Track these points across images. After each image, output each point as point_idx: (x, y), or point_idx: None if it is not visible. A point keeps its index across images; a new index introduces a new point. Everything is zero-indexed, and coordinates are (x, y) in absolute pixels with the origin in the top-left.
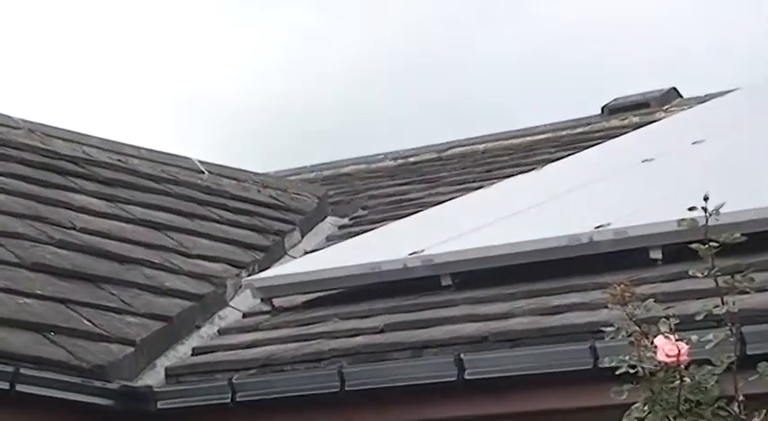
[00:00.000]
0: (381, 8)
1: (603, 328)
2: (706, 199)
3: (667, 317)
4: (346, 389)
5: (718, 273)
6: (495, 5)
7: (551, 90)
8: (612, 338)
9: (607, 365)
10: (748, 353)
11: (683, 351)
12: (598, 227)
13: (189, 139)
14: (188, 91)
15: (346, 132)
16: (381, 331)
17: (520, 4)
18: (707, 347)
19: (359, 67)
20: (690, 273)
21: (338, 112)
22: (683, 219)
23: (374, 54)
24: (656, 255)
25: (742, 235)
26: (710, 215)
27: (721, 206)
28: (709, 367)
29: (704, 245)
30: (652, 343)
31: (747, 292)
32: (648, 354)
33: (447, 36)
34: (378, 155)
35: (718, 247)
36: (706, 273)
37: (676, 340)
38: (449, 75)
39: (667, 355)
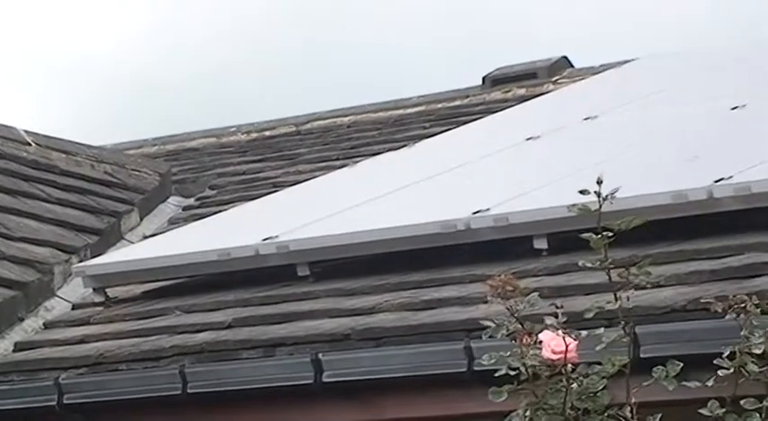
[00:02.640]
0: None
1: (483, 322)
2: (599, 182)
3: (555, 314)
4: (188, 391)
5: (612, 266)
6: None
7: (437, 60)
8: (491, 336)
9: (485, 367)
10: (642, 355)
11: (570, 347)
12: (476, 212)
13: (50, 111)
14: (50, 59)
15: (221, 108)
16: (229, 326)
17: None
18: (597, 348)
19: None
20: (580, 264)
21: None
22: (574, 205)
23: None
24: (541, 244)
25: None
26: (605, 200)
27: (616, 190)
28: (599, 367)
29: (597, 233)
30: (536, 341)
31: (644, 288)
32: (532, 352)
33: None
34: (229, 127)
35: (612, 237)
36: (598, 265)
37: (564, 335)
38: (326, 49)
39: (554, 352)
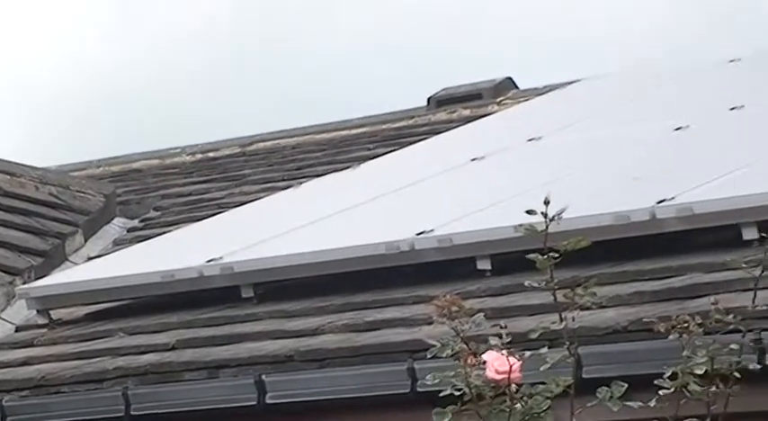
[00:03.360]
0: None
1: (428, 341)
2: (547, 203)
3: (499, 334)
4: (132, 413)
5: (557, 286)
6: None
7: (389, 79)
8: (435, 356)
9: (429, 387)
10: (584, 376)
11: (514, 368)
12: (420, 233)
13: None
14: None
15: (168, 127)
16: (173, 348)
17: None
18: (541, 368)
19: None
20: (527, 284)
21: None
22: (521, 225)
23: (199, 42)
24: (485, 265)
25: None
26: (552, 220)
27: (563, 210)
28: (543, 387)
29: (542, 254)
30: (480, 362)
31: (589, 308)
32: (476, 373)
33: (272, 28)
34: (173, 148)
35: (558, 258)
36: (544, 286)
37: (508, 356)
38: (275, 67)
39: (497, 372)
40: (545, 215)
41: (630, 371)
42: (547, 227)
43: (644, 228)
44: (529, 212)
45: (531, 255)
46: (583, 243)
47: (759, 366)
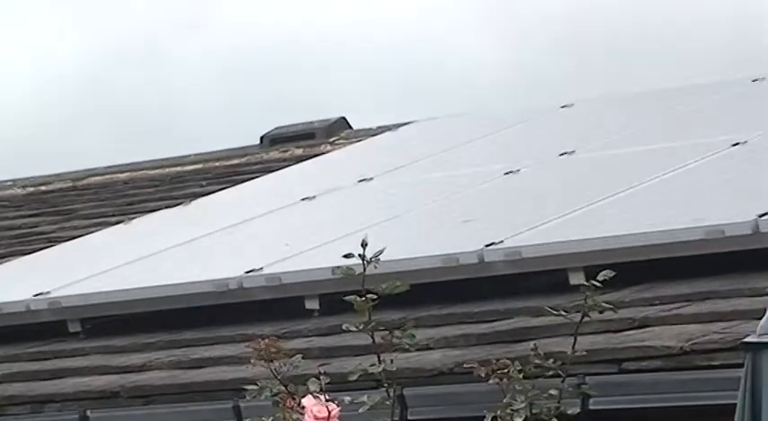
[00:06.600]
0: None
1: (246, 387)
2: (364, 245)
3: (318, 376)
4: None
5: (379, 328)
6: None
7: (225, 114)
8: (255, 397)
9: None
10: (409, 417)
11: (333, 413)
12: (249, 271)
13: None
14: None
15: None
16: None
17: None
18: (360, 411)
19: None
20: (344, 327)
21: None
22: (338, 267)
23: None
24: (313, 304)
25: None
26: (369, 263)
27: (380, 253)
28: None
29: (361, 296)
30: (299, 404)
31: (408, 350)
32: (295, 417)
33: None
34: (5, 181)
35: (376, 300)
36: (362, 328)
37: (327, 401)
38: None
39: (316, 418)
40: (363, 257)
41: (456, 413)
42: (364, 269)
43: (473, 271)
44: (346, 256)
45: (348, 297)
46: (401, 288)
47: (579, 410)
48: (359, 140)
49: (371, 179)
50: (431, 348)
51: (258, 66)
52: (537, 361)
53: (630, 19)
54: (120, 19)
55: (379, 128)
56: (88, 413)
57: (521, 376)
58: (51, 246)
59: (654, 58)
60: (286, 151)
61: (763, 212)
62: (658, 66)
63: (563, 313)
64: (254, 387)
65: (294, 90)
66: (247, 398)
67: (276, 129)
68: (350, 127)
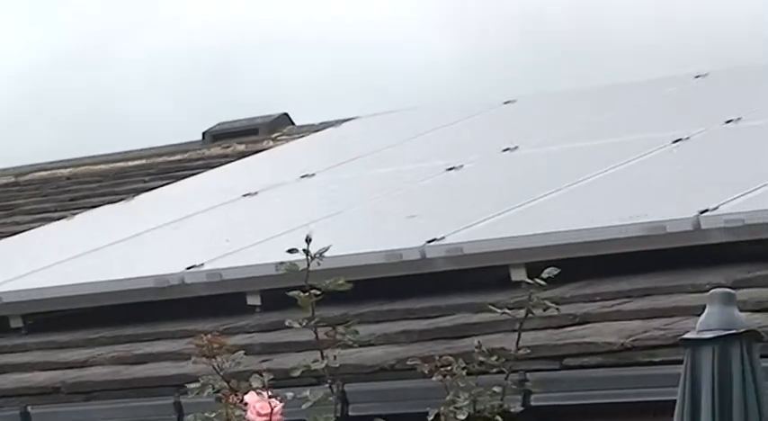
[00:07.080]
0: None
1: (187, 384)
2: (308, 241)
3: (260, 372)
4: None
5: (321, 324)
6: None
7: (167, 111)
8: (198, 394)
9: None
10: (350, 413)
11: (276, 409)
12: (190, 267)
13: None
14: None
15: None
16: None
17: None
18: (303, 407)
19: None
20: (287, 323)
21: None
22: (282, 263)
23: None
24: (255, 301)
25: (348, 282)
26: (313, 259)
27: (326, 249)
28: None
29: (305, 292)
30: (242, 400)
31: (351, 346)
32: (238, 413)
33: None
34: None
35: (320, 295)
36: (305, 324)
37: (269, 397)
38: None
39: (258, 414)
40: (307, 253)
41: (397, 409)
42: (308, 265)
43: (414, 268)
44: (291, 251)
45: (291, 293)
46: (344, 286)
47: (522, 408)
48: (301, 136)
49: (314, 175)
50: (372, 344)
51: (204, 65)
52: (481, 358)
53: (588, 19)
54: (67, 20)
55: (321, 124)
56: (29, 409)
57: (464, 373)
58: None
59: (614, 56)
60: (228, 147)
61: (704, 209)
62: (617, 63)
63: (506, 311)
64: (197, 384)
65: (241, 88)
66: (190, 395)
67: (219, 125)
68: (292, 123)
